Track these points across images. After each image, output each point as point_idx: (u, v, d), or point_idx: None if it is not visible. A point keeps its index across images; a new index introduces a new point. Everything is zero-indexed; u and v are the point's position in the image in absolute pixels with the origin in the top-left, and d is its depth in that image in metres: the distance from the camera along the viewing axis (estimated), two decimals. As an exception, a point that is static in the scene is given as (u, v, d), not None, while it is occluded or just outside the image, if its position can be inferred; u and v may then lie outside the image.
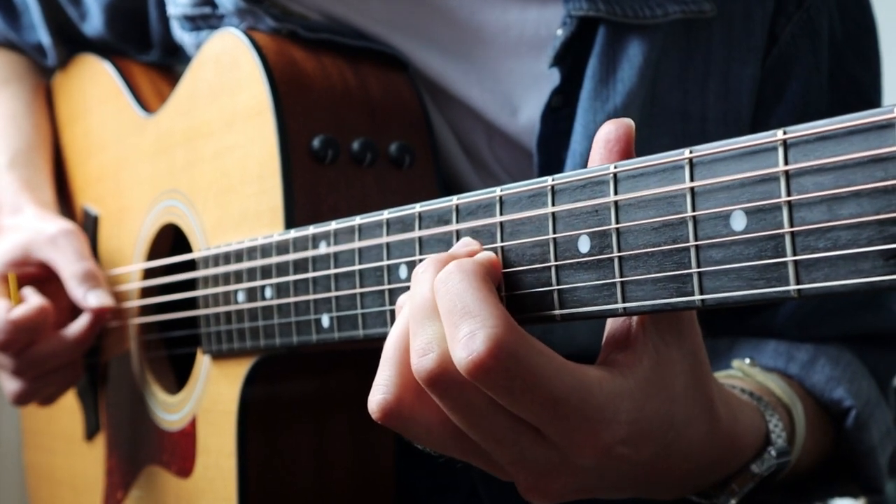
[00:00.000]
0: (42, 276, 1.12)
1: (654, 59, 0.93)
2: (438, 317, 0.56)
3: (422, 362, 0.56)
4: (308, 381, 0.95)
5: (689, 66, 0.95)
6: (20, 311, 1.04)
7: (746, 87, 0.97)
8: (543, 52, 0.97)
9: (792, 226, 0.47)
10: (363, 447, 0.98)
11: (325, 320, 0.78)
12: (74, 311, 1.14)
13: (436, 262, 0.60)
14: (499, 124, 1.00)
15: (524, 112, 0.99)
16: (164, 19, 1.18)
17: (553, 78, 0.95)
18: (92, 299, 1.07)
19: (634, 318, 0.59)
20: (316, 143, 0.90)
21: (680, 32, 0.94)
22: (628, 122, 0.58)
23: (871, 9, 1.04)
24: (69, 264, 1.09)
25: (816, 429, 0.90)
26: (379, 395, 0.60)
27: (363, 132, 0.94)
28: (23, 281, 1.12)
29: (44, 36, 1.32)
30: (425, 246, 0.67)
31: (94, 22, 1.27)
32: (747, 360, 0.90)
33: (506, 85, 1.00)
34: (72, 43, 1.32)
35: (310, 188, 0.89)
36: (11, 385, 1.11)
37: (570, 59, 0.94)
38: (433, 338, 0.56)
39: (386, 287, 0.71)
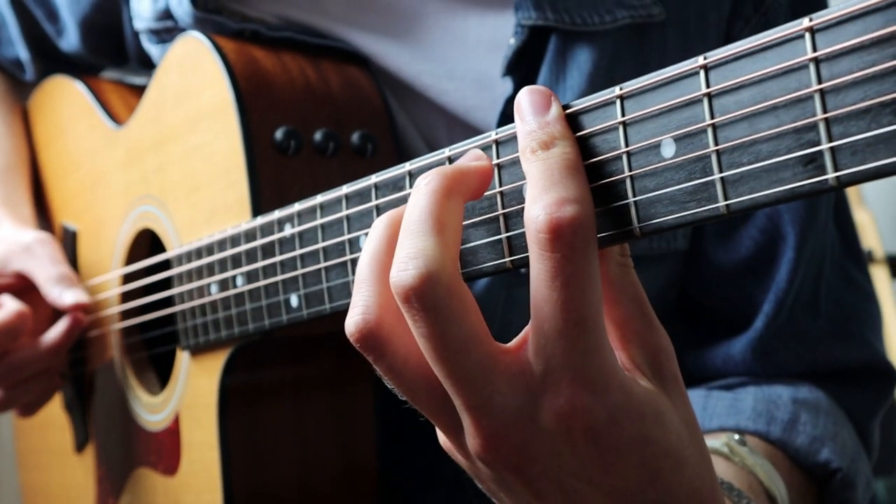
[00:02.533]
0: (19, 287, 1.13)
1: (606, 65, 0.93)
2: (428, 231, 0.52)
3: (400, 277, 0.51)
4: (285, 368, 0.96)
5: (644, 71, 0.95)
6: None
7: None
8: (500, 55, 0.98)
9: (717, 145, 0.48)
10: (345, 433, 0.99)
11: (294, 300, 0.79)
12: (52, 320, 1.14)
13: (439, 174, 0.55)
14: (458, 118, 1.01)
15: (483, 109, 1.00)
16: (137, 33, 1.19)
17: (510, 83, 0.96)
18: (68, 297, 1.07)
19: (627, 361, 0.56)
20: (278, 134, 0.91)
21: (633, 37, 0.94)
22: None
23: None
24: (44, 269, 1.10)
25: (799, 501, 0.88)
26: (357, 315, 0.55)
27: (325, 123, 0.95)
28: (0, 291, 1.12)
29: (22, 51, 1.33)
30: (382, 213, 0.68)
31: (70, 38, 1.28)
32: (736, 437, 0.87)
33: (465, 82, 1.00)
34: (49, 58, 1.33)
35: (275, 179, 0.90)
36: None
37: (522, 67, 0.94)
38: (421, 251, 0.52)
39: (348, 258, 0.72)
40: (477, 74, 1.00)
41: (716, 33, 0.97)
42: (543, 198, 0.50)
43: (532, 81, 0.94)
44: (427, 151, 1.03)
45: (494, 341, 0.53)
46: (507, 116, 0.95)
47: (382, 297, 0.55)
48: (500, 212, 0.59)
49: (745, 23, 0.97)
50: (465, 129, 1.01)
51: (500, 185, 0.59)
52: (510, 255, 0.58)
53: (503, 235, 0.59)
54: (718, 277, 1.01)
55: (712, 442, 0.86)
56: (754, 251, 0.99)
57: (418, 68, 1.01)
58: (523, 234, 0.57)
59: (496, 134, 0.59)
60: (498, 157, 0.59)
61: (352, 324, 0.55)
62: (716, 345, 1.01)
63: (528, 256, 0.54)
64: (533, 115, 0.55)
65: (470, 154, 0.60)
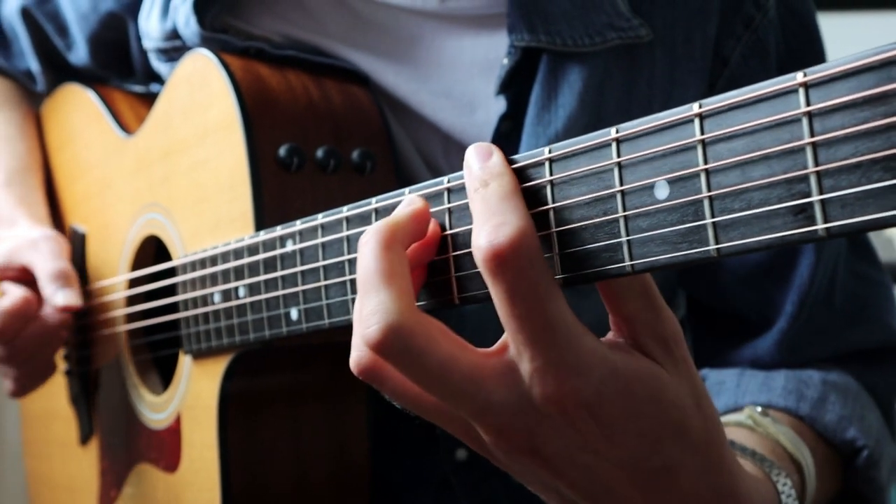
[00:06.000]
0: (23, 280, 1.11)
1: (596, 84, 0.92)
2: (381, 287, 0.55)
3: (367, 333, 0.54)
4: (283, 375, 0.94)
5: (633, 90, 0.94)
6: (7, 302, 1.04)
7: None
8: (493, 75, 0.97)
9: (710, 190, 0.47)
10: (338, 436, 0.98)
11: (294, 313, 0.78)
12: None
13: (376, 231, 0.58)
14: (454, 136, 1.00)
15: (478, 129, 0.99)
16: (144, 50, 1.18)
17: (503, 102, 0.95)
18: (59, 298, 1.06)
19: (623, 334, 0.56)
20: (282, 151, 0.90)
21: (623, 57, 0.93)
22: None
23: (814, 25, 1.02)
24: (44, 263, 1.08)
25: (825, 473, 0.87)
26: (354, 353, 0.59)
27: (327, 141, 0.93)
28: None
29: (33, 63, 1.31)
30: None
31: (79, 52, 1.26)
32: (758, 409, 0.86)
33: (460, 102, 0.99)
34: (59, 71, 1.31)
35: (278, 194, 0.89)
36: (6, 374, 1.11)
37: (515, 86, 0.94)
38: (377, 307, 0.54)
39: (347, 278, 0.71)
40: (472, 94, 0.98)
41: (702, 53, 0.96)
42: (483, 227, 0.52)
43: (525, 99, 0.93)
44: (424, 169, 1.02)
45: (476, 350, 0.55)
46: (500, 134, 0.94)
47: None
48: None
49: (737, 41, 0.96)
50: (460, 148, 1.00)
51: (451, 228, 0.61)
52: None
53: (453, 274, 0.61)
54: (734, 282, 1.00)
55: (737, 416, 0.86)
56: (772, 254, 0.97)
57: (414, 87, 1.00)
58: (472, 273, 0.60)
59: (448, 181, 0.61)
60: (449, 202, 0.61)
61: (352, 360, 0.59)
62: (740, 347, 1.01)
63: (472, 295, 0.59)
64: (477, 162, 0.57)
65: (405, 201, 0.62)
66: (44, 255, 1.10)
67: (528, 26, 0.91)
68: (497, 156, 0.57)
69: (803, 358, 0.98)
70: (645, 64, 0.94)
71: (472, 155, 0.58)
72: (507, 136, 0.95)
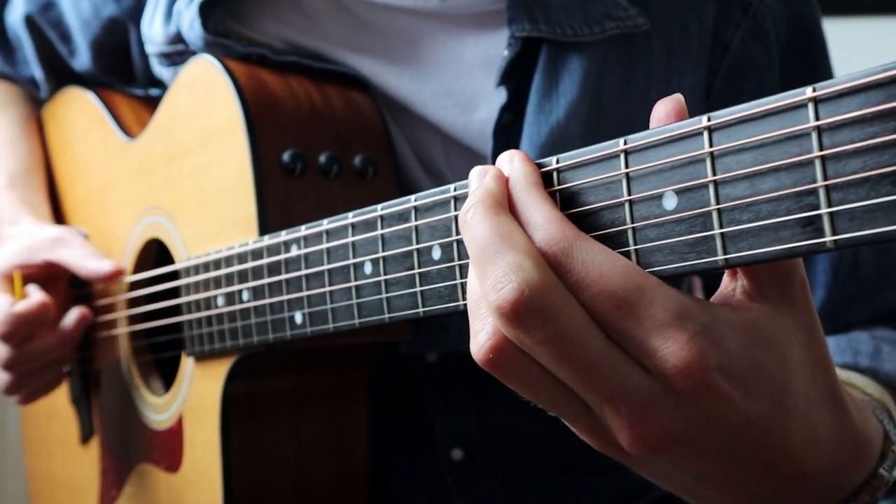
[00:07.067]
0: (43, 278, 1.11)
1: (596, 72, 0.93)
2: (506, 249, 0.50)
3: (501, 297, 0.49)
4: (286, 378, 0.94)
5: (632, 79, 0.95)
6: (23, 305, 1.03)
7: (687, 97, 0.96)
8: (493, 72, 0.97)
9: (718, 202, 0.47)
10: (339, 439, 0.98)
11: (298, 317, 0.78)
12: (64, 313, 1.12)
13: (479, 201, 0.53)
14: (455, 136, 1.00)
15: (479, 125, 0.99)
16: (145, 55, 1.17)
17: (504, 94, 0.95)
18: (107, 265, 1.06)
19: (738, 284, 0.52)
20: (286, 157, 0.90)
21: (622, 47, 0.94)
22: (678, 97, 0.53)
23: (811, 15, 1.01)
24: (78, 251, 1.08)
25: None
26: (481, 336, 0.52)
27: (329, 146, 0.93)
28: (25, 281, 1.10)
29: (36, 70, 1.31)
30: (387, 242, 0.67)
31: (82, 58, 1.26)
32: None
33: (461, 101, 0.99)
34: (62, 77, 1.31)
35: (281, 199, 0.89)
36: (12, 380, 1.10)
37: (515, 77, 0.94)
38: (507, 269, 0.49)
39: (353, 284, 0.71)
40: (473, 92, 0.99)
41: (698, 41, 0.96)
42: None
43: (526, 90, 0.94)
44: (422, 173, 1.02)
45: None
46: (501, 126, 0.94)
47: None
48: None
49: (736, 27, 0.96)
50: (460, 147, 1.00)
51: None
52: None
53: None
54: None
55: None
56: None
57: (416, 88, 1.00)
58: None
59: (454, 189, 0.61)
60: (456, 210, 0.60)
61: (483, 346, 0.52)
62: None
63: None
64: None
65: (476, 173, 0.57)
66: (74, 246, 1.10)
67: (529, 17, 0.91)
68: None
69: (841, 324, 0.96)
70: (643, 53, 0.94)
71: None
72: (507, 128, 0.95)
